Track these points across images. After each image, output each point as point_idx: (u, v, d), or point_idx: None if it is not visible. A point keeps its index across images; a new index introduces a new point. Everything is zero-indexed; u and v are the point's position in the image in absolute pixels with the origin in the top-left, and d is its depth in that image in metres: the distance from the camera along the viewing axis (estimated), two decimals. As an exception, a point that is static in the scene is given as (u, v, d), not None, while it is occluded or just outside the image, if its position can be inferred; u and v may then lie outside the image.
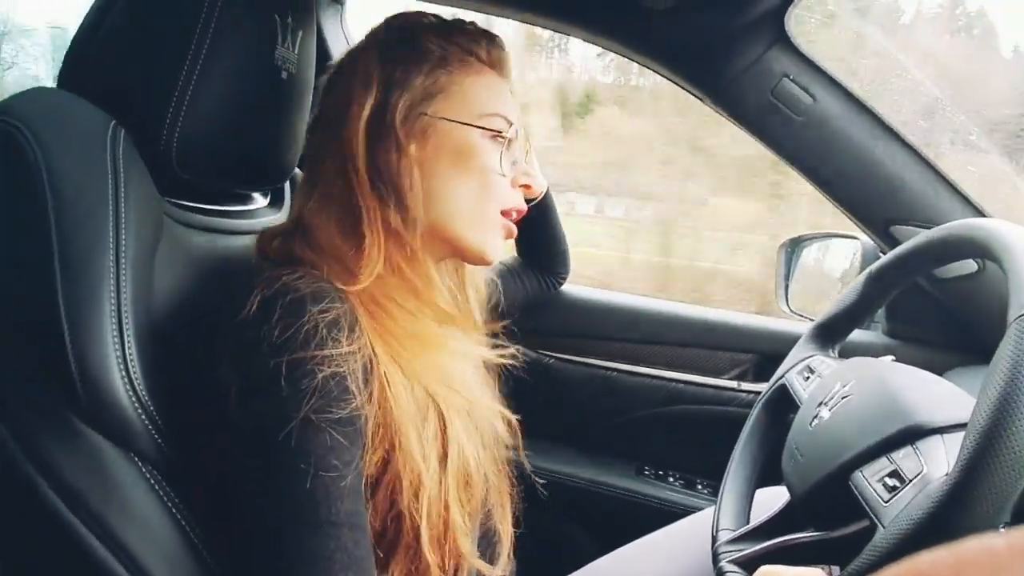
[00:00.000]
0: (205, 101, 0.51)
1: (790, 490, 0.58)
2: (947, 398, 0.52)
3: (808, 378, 0.65)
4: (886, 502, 0.45)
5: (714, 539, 0.60)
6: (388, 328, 0.50)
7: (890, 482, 0.47)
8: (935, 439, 0.48)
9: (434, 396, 0.51)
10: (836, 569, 0.54)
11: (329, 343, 0.44)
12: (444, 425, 0.51)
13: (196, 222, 0.57)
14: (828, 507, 0.52)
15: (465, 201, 0.54)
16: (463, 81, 0.54)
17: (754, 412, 0.70)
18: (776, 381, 0.70)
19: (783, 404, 0.68)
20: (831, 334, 0.71)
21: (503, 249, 0.58)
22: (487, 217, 0.55)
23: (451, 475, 0.50)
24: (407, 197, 0.52)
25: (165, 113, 0.50)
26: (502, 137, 0.55)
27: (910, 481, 0.45)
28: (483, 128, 0.54)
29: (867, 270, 0.67)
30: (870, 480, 0.48)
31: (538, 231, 0.94)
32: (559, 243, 0.96)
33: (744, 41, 0.79)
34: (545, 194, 0.90)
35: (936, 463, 0.46)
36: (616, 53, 0.87)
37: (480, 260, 0.58)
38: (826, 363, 0.66)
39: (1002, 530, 0.41)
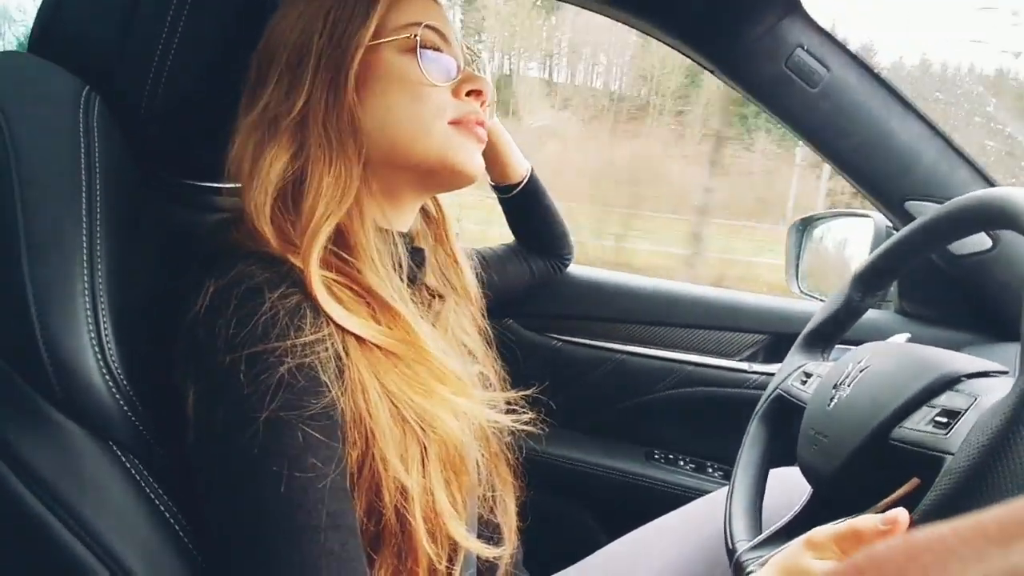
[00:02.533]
0: (188, 64, 0.47)
1: (813, 478, 0.56)
2: (973, 358, 0.51)
3: (806, 382, 0.64)
4: (946, 434, 0.43)
5: (732, 551, 0.58)
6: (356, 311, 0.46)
7: (942, 419, 0.45)
8: (976, 380, 0.47)
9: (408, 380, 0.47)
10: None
11: (292, 332, 0.41)
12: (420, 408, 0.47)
13: (183, 197, 0.54)
14: (863, 480, 0.50)
15: (402, 125, 0.49)
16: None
17: (751, 427, 0.68)
18: (770, 394, 0.68)
19: (780, 414, 0.67)
20: (820, 342, 0.69)
21: (479, 159, 0.53)
22: (434, 134, 0.50)
23: (432, 459, 0.47)
24: (348, 143, 0.47)
25: (145, 77, 0.46)
26: (411, 42, 0.49)
27: (966, 410, 0.44)
28: (387, 41, 0.49)
29: (854, 273, 0.65)
30: (916, 428, 0.46)
31: (532, 215, 0.90)
32: (557, 225, 0.92)
33: (757, 10, 0.76)
34: (532, 177, 0.86)
35: (988, 392, 0.44)
36: (624, 23, 0.83)
37: (456, 177, 0.52)
38: (822, 366, 0.64)
39: None
